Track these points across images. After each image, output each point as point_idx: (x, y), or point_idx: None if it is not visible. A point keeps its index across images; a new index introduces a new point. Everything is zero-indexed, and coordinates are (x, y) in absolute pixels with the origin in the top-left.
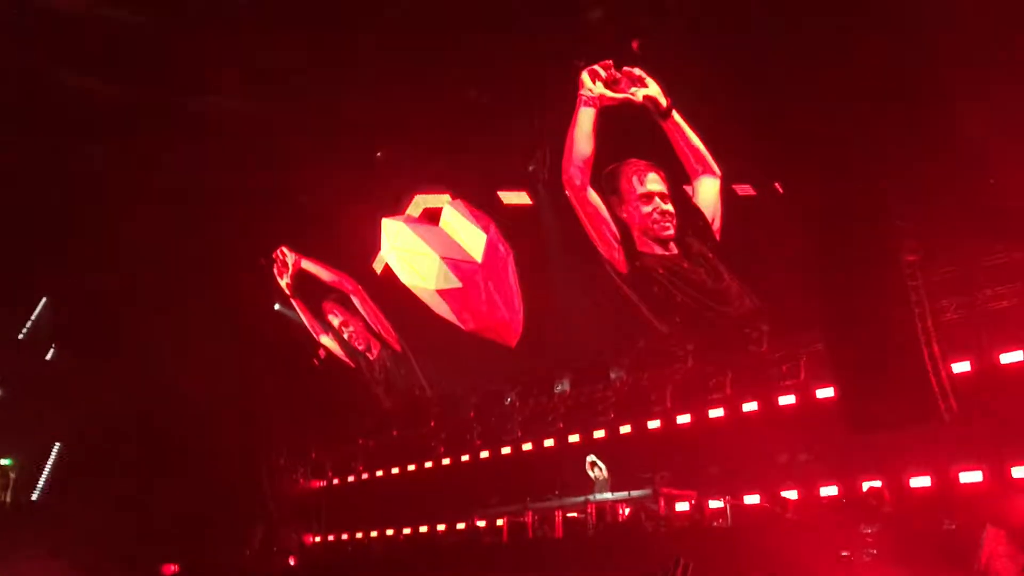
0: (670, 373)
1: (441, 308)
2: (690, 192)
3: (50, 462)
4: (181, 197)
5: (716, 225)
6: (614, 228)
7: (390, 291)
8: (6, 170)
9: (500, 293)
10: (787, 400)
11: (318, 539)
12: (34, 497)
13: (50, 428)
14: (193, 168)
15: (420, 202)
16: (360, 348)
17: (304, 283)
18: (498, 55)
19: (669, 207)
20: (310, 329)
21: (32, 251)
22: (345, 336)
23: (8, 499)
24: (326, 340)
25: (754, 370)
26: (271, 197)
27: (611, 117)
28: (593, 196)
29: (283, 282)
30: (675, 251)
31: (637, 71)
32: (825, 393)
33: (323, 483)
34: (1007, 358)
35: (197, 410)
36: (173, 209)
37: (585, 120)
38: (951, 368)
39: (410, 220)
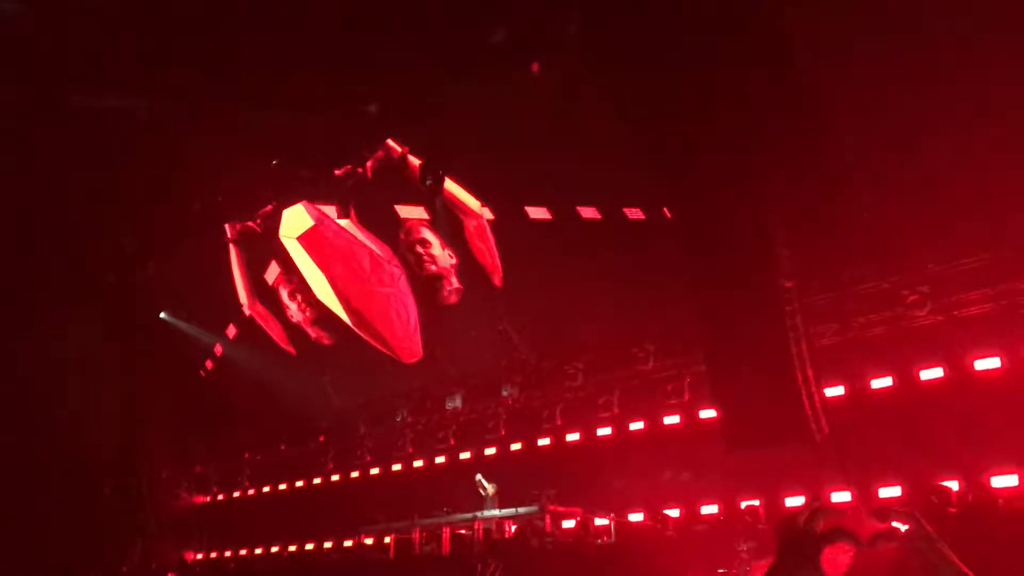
0: (561, 391)
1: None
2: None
3: None
4: (58, 199)
5: (491, 265)
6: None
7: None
8: None
9: (398, 311)
10: (672, 420)
11: (200, 556)
12: None
13: None
14: (71, 170)
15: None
16: (306, 321)
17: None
18: (394, 62)
19: (424, 251)
20: (243, 291)
21: None
22: (295, 308)
23: None
24: (261, 310)
25: (641, 389)
26: (158, 200)
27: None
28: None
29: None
30: (454, 300)
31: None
32: (708, 414)
33: (207, 498)
34: (877, 383)
35: (71, 421)
36: (43, 211)
37: None
38: (824, 391)
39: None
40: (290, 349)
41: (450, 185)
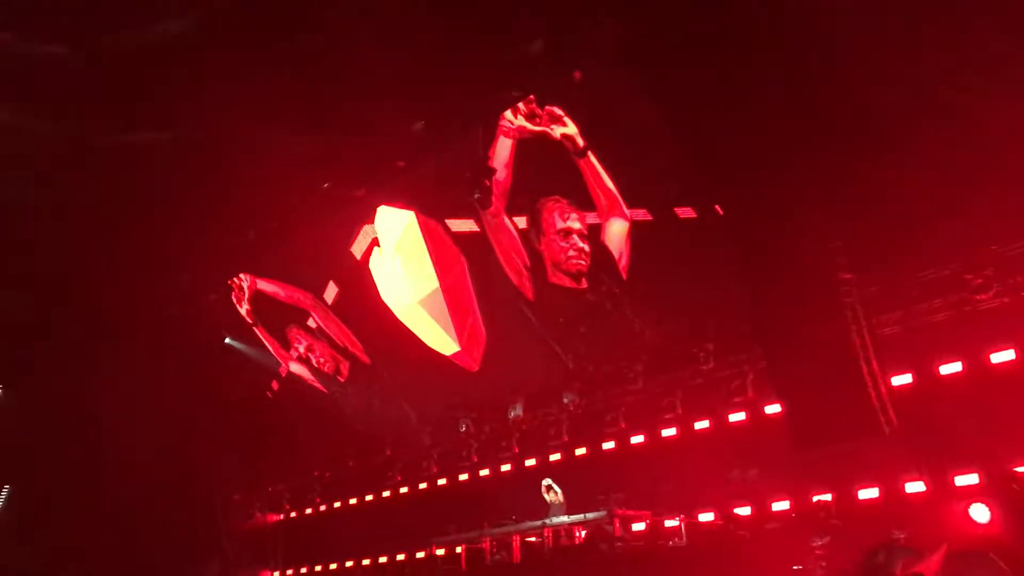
0: (622, 394)
1: (420, 321)
2: (601, 231)
3: None
4: (117, 232)
5: (623, 263)
6: (525, 256)
7: (352, 302)
8: None
9: (471, 314)
10: (737, 417)
11: (276, 574)
12: None
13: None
14: (129, 202)
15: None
16: (329, 371)
17: (264, 308)
18: (438, 85)
19: (585, 246)
20: (276, 357)
21: None
22: (313, 362)
23: None
24: (296, 367)
25: (704, 388)
26: (217, 230)
27: (531, 150)
28: (508, 223)
29: (243, 309)
30: (584, 285)
31: (558, 110)
32: (773, 409)
33: (280, 517)
34: (946, 369)
35: (146, 449)
36: (106, 244)
37: (503, 149)
38: (891, 382)
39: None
40: (323, 389)
41: (605, 177)
